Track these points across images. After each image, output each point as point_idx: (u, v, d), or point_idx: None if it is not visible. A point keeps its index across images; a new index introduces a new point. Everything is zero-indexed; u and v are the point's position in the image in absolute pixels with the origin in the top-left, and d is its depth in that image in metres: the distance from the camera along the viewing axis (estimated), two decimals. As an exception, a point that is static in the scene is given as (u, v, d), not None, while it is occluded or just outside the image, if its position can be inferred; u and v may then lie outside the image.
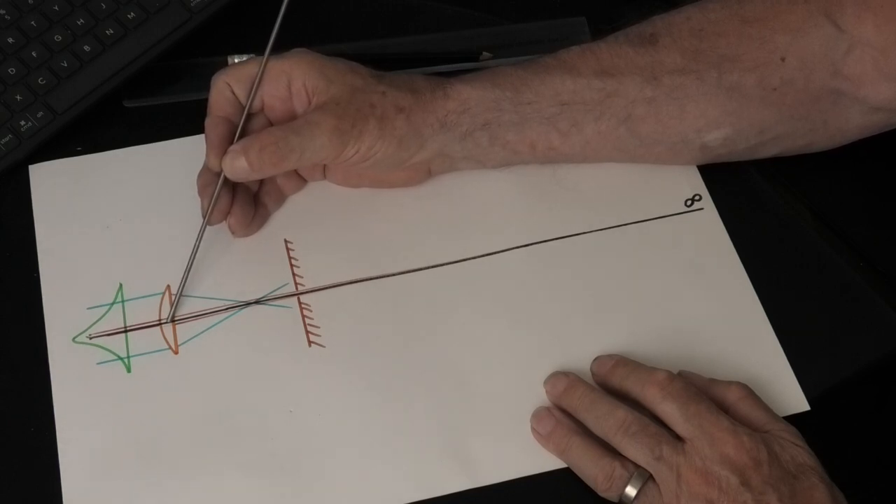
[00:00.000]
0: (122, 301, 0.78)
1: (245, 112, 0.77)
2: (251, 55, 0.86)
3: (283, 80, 0.77)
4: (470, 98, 0.78)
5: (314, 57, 0.77)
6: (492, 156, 0.81)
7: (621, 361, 0.73)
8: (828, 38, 0.76)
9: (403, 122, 0.77)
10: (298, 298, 0.78)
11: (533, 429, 0.73)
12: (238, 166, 0.75)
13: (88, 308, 0.78)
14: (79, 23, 0.85)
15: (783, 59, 0.77)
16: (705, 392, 0.71)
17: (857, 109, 0.78)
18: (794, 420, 0.71)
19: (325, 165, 0.82)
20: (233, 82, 0.77)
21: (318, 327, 0.77)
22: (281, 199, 0.82)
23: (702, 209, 0.83)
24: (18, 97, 0.83)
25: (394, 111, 0.76)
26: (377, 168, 0.79)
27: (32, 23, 0.85)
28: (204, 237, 0.78)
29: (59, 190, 0.83)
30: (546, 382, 0.74)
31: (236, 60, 0.87)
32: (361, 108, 0.76)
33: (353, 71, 0.77)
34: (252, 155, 0.75)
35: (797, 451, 0.68)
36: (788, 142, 0.81)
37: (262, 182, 0.81)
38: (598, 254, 0.80)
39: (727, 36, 0.78)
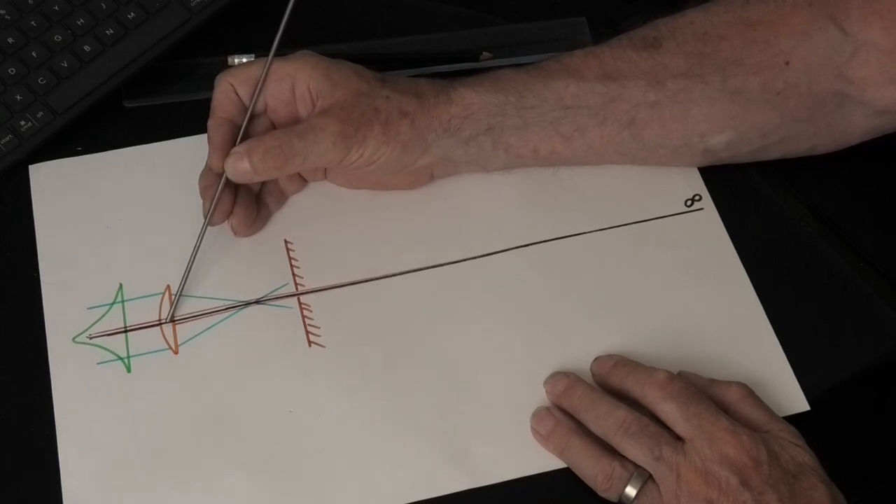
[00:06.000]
0: (122, 301, 0.78)
1: (248, 114, 0.77)
2: (251, 55, 0.86)
3: (287, 82, 0.77)
4: (473, 103, 0.78)
5: (319, 60, 0.77)
6: (494, 160, 0.81)
7: (621, 361, 0.74)
8: (832, 41, 0.76)
9: (408, 127, 0.77)
10: (298, 298, 0.78)
11: (533, 429, 0.73)
12: (241, 168, 0.75)
13: (88, 308, 0.78)
14: (79, 23, 0.85)
15: (787, 63, 0.77)
16: (705, 392, 0.71)
17: (862, 112, 0.78)
18: (794, 420, 0.71)
19: (326, 167, 0.81)
20: (237, 83, 0.77)
21: (318, 327, 0.77)
22: (282, 199, 0.82)
23: (702, 209, 0.83)
24: (18, 97, 0.83)
25: (398, 116, 0.76)
26: (380, 172, 0.79)
27: (32, 23, 0.85)
28: (204, 237, 0.78)
29: (59, 190, 0.83)
30: (546, 382, 0.74)
31: (236, 61, 0.87)
32: (366, 113, 0.76)
33: (358, 75, 0.77)
34: (255, 158, 0.75)
35: (797, 451, 0.68)
36: (792, 145, 0.81)
37: (263, 182, 0.80)
38: (598, 254, 0.80)
39: (731, 39, 0.78)
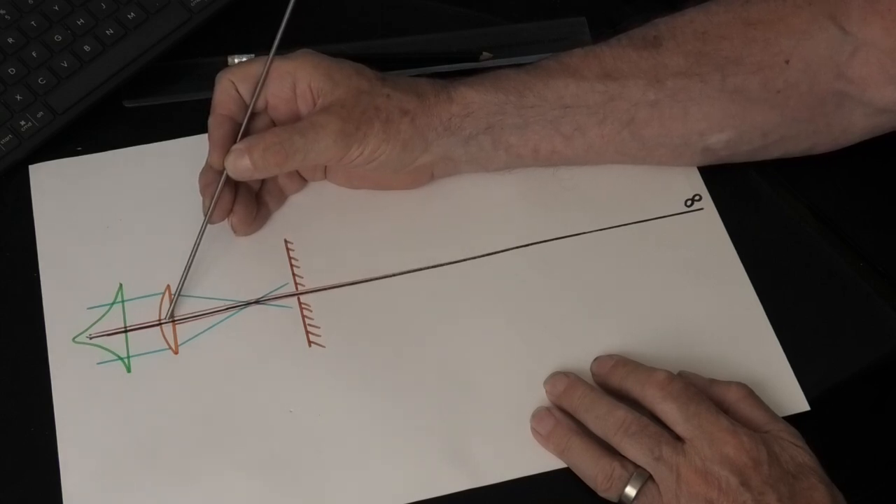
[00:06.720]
0: (122, 301, 0.78)
1: (248, 111, 0.77)
2: (251, 55, 0.86)
3: (288, 80, 0.77)
4: (474, 102, 0.78)
5: (320, 58, 0.77)
6: (494, 159, 0.81)
7: (621, 361, 0.74)
8: (832, 40, 0.76)
9: (408, 126, 0.77)
10: (298, 298, 0.78)
11: (533, 429, 0.73)
12: (241, 165, 0.75)
13: (88, 308, 0.78)
14: (79, 23, 0.85)
15: (787, 62, 0.77)
16: (705, 392, 0.71)
17: (862, 111, 0.78)
18: (794, 420, 0.71)
19: (326, 166, 0.82)
20: (237, 81, 0.77)
21: (318, 327, 0.77)
22: (282, 198, 0.82)
23: (702, 209, 0.83)
24: (18, 97, 0.83)
25: (398, 114, 0.76)
26: (380, 171, 0.79)
27: (32, 23, 0.85)
28: (204, 237, 0.78)
29: (59, 190, 0.83)
30: (546, 382, 0.74)
31: (236, 60, 0.87)
32: (366, 111, 0.76)
33: (359, 73, 0.77)
34: (256, 155, 0.75)
35: (797, 452, 0.68)
36: (791, 144, 0.81)
37: (263, 181, 0.81)
38: (598, 254, 0.80)
39: (731, 39, 0.78)
